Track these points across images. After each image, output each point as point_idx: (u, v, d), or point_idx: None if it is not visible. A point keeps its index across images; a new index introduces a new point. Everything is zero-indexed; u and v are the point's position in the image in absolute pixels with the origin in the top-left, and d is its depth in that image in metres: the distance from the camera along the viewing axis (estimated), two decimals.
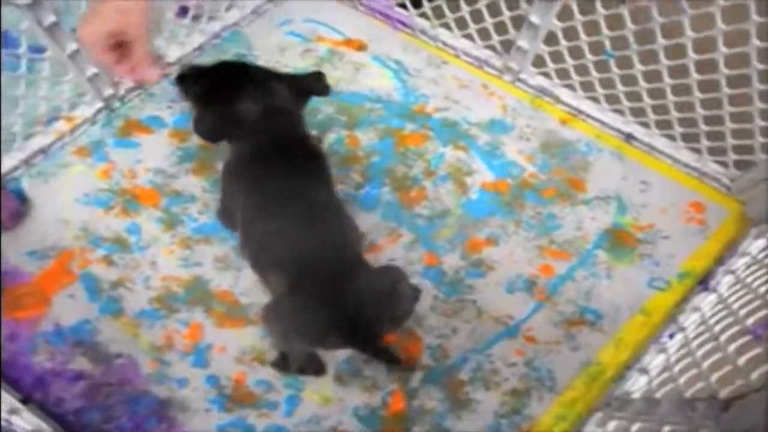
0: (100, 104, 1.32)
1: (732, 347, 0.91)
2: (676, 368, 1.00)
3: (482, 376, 1.08)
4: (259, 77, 1.06)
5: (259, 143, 1.03)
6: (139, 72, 0.94)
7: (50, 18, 1.11)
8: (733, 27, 1.08)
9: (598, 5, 1.22)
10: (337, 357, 1.09)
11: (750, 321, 0.94)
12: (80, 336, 1.08)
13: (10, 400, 0.97)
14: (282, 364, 1.06)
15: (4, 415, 0.94)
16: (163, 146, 1.31)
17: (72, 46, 1.19)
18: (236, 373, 1.07)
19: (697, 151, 1.33)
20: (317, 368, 1.07)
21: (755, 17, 1.05)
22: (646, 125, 1.36)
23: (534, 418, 1.06)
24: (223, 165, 1.09)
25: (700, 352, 0.98)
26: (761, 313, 0.94)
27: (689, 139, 1.33)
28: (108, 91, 1.32)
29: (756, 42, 1.07)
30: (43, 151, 1.27)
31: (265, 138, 1.03)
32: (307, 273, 0.94)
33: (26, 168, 1.25)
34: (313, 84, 1.13)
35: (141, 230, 1.20)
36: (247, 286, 1.15)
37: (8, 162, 1.24)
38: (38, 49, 1.17)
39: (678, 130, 1.32)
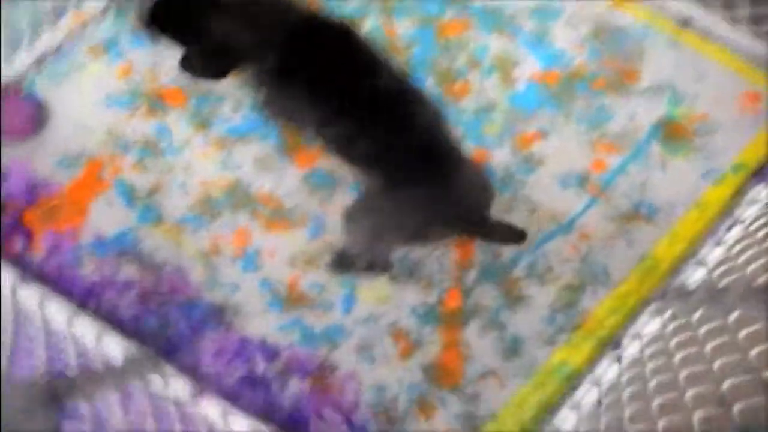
0: None
1: None
2: (741, 259, 0.97)
3: (537, 272, 1.07)
4: None
5: (286, 49, 0.92)
6: None
7: None
8: None
9: None
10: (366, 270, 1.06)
11: None
12: (123, 245, 1.06)
13: (66, 309, 0.97)
14: (341, 263, 1.05)
15: (64, 325, 0.94)
16: None
17: None
18: (290, 277, 1.05)
19: (760, 35, 1.23)
20: (386, 265, 1.05)
21: None
22: (707, 4, 1.26)
23: (588, 312, 1.05)
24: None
25: (767, 243, 0.94)
26: None
27: (754, 20, 1.22)
28: None
29: None
30: (55, 49, 1.19)
31: (288, 41, 0.91)
32: (405, 169, 0.89)
33: (37, 70, 1.18)
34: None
35: (171, 132, 1.15)
36: (291, 188, 1.11)
37: (16, 64, 1.17)
38: None
39: (741, 11, 1.22)
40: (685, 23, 1.28)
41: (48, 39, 1.19)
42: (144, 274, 1.04)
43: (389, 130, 0.88)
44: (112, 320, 1.00)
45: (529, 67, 1.24)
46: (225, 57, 0.93)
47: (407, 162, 0.88)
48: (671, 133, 1.19)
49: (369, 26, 1.25)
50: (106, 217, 1.08)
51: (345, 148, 0.93)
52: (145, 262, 1.04)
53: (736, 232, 1.06)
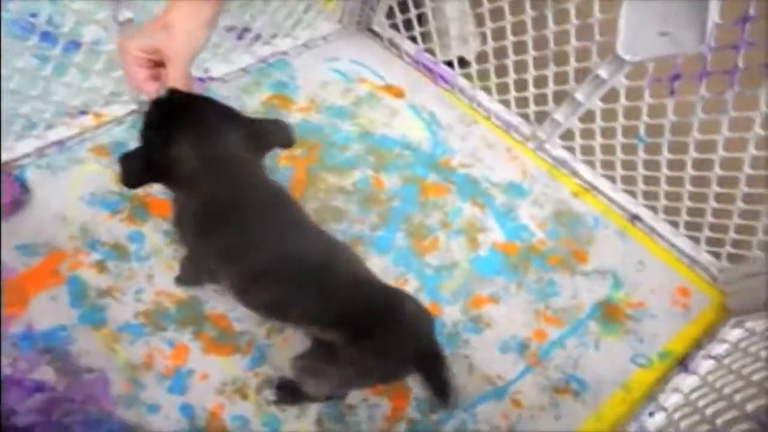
0: (133, 106, 1.31)
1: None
2: None
3: None
4: (209, 117, 0.88)
5: (207, 196, 0.86)
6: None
7: (127, 14, 1.10)
8: None
9: (646, 93, 1.24)
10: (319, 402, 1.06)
11: (749, 407, 0.97)
12: (52, 343, 1.02)
13: None
14: (289, 394, 1.02)
15: None
16: None
17: None
18: (214, 405, 1.03)
19: (696, 240, 1.37)
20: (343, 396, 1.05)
21: None
22: (653, 209, 1.40)
23: None
24: (175, 217, 0.93)
25: None
26: (760, 401, 0.97)
27: (692, 227, 1.36)
28: (144, 96, 1.30)
29: None
30: (60, 143, 1.24)
31: (212, 191, 0.86)
32: (359, 321, 0.87)
33: (37, 157, 1.21)
34: (276, 134, 0.95)
35: (144, 239, 1.17)
36: (245, 312, 1.11)
37: (21, 148, 1.20)
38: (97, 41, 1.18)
39: (684, 218, 1.36)
40: (633, 218, 1.41)
41: (59, 133, 1.24)
42: (61, 377, 0.98)
43: (324, 290, 0.86)
44: (6, 425, 0.93)
45: (494, 236, 1.34)
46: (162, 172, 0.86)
47: (360, 317, 0.87)
48: (608, 314, 1.28)
49: (357, 176, 1.36)
50: (47, 310, 1.05)
51: (278, 313, 0.91)
52: (68, 365, 1.00)
53: (659, 419, 1.12)
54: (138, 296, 1.11)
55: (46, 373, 0.98)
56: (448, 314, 1.22)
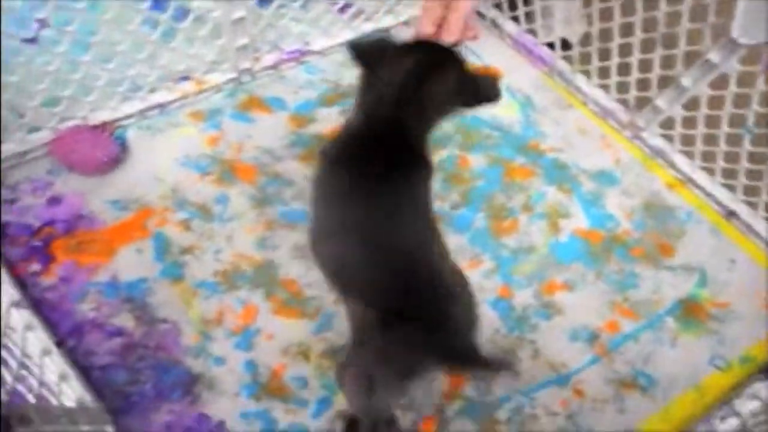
0: (233, 75, 1.34)
1: None
2: None
3: (520, 419, 1.05)
4: (435, 57, 0.87)
5: (368, 127, 0.86)
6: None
7: None
8: None
9: (760, 80, 1.14)
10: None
11: None
12: (133, 293, 1.08)
13: (45, 340, 0.96)
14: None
15: (36, 356, 0.91)
16: (279, 128, 1.31)
17: (239, 13, 1.21)
18: (277, 364, 1.05)
19: None
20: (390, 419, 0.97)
21: None
22: (754, 206, 1.29)
23: None
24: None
25: None
26: None
27: None
28: (245, 65, 1.33)
29: None
30: (161, 106, 1.29)
31: (377, 124, 0.85)
32: (402, 308, 0.81)
33: (139, 119, 1.27)
34: (486, 90, 0.91)
35: (229, 202, 1.19)
36: (316, 279, 1.12)
37: (125, 108, 1.26)
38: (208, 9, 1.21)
39: None
40: (729, 215, 1.30)
41: (161, 96, 1.30)
42: (138, 325, 1.03)
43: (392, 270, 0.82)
44: (85, 363, 0.99)
45: (577, 222, 1.28)
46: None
47: (405, 303, 0.81)
48: (690, 312, 1.20)
49: (445, 155, 1.34)
50: (132, 263, 1.10)
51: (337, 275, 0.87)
52: (146, 314, 1.05)
53: (731, 423, 1.04)
54: (217, 256, 1.14)
55: (125, 320, 1.04)
56: (519, 298, 1.18)
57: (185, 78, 1.33)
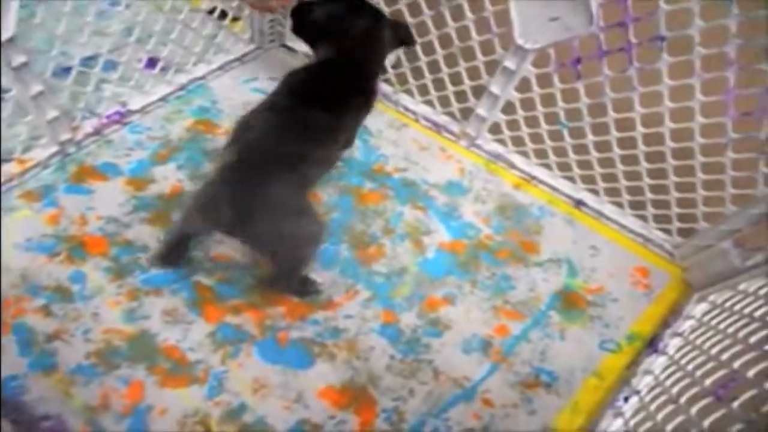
0: (55, 148, 1.21)
1: (694, 410, 0.84)
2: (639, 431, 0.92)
3: None
4: (373, 11, 1.10)
5: (336, 56, 1.08)
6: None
7: (20, 58, 1.03)
8: (679, 104, 1.06)
9: (556, 79, 1.18)
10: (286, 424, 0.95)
11: (708, 382, 0.87)
12: (5, 394, 0.92)
13: None
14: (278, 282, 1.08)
15: None
16: (118, 194, 1.18)
17: (36, 88, 1.09)
18: None
19: (644, 218, 1.28)
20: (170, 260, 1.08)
21: (699, 96, 1.03)
22: (595, 192, 1.31)
23: None
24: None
25: (660, 416, 0.90)
26: (718, 374, 0.87)
27: (636, 206, 1.28)
28: (65, 136, 1.20)
29: (699, 118, 1.05)
30: None
31: (344, 56, 1.07)
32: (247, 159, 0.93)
33: None
34: (406, 34, 1.16)
35: (86, 279, 1.06)
36: (197, 341, 1.01)
37: None
38: (2, 90, 1.07)
39: (626, 197, 1.28)
40: (578, 204, 1.31)
41: None
42: (18, 428, 0.89)
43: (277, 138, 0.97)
44: None
45: (439, 236, 1.22)
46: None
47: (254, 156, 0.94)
48: (569, 302, 1.16)
49: None
50: None
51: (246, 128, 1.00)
52: (24, 415, 0.90)
53: (633, 402, 1.01)
54: (86, 336, 1.00)
55: (3, 427, 0.88)
56: (405, 320, 1.09)
57: (5, 160, 1.18)
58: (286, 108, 0.99)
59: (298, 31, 1.13)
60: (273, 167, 0.91)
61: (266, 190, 0.89)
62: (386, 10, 1.28)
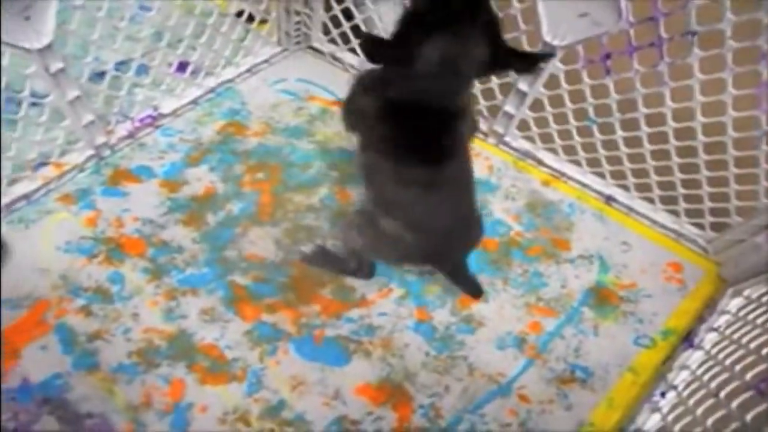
0: (90, 152, 1.22)
1: (735, 404, 0.83)
2: (676, 427, 0.90)
3: None
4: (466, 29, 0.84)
5: (413, 95, 0.89)
6: None
7: (58, 65, 1.03)
8: (711, 98, 1.04)
9: (584, 75, 1.16)
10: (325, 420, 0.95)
11: (748, 376, 0.86)
12: (49, 392, 0.93)
13: None
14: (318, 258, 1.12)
15: None
16: (152, 196, 1.19)
17: (73, 93, 1.10)
18: None
19: (675, 213, 1.26)
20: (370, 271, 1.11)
21: (731, 89, 1.01)
22: (626, 188, 1.30)
23: None
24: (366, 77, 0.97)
25: (699, 410, 0.89)
26: (759, 368, 0.86)
27: (667, 201, 1.26)
28: (100, 140, 1.21)
29: (732, 112, 1.03)
30: (26, 197, 1.15)
31: (421, 94, 0.88)
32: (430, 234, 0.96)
33: (7, 213, 1.12)
34: (530, 65, 0.94)
35: (124, 280, 1.07)
36: (234, 339, 1.01)
37: None
38: (40, 95, 1.08)
39: (657, 193, 1.26)
40: (609, 200, 1.29)
41: (23, 187, 1.15)
42: (64, 425, 0.89)
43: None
44: None
45: None
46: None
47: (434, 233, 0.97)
48: (602, 298, 1.15)
49: (323, 193, 1.24)
50: (40, 361, 0.96)
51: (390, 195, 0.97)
52: (69, 413, 0.90)
53: (671, 398, 0.99)
54: (127, 336, 1.01)
55: (48, 423, 0.90)
56: (439, 317, 1.09)
57: (42, 164, 1.19)
58: (417, 180, 0.93)
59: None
60: (462, 231, 1.01)
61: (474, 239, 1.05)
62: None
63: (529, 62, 0.92)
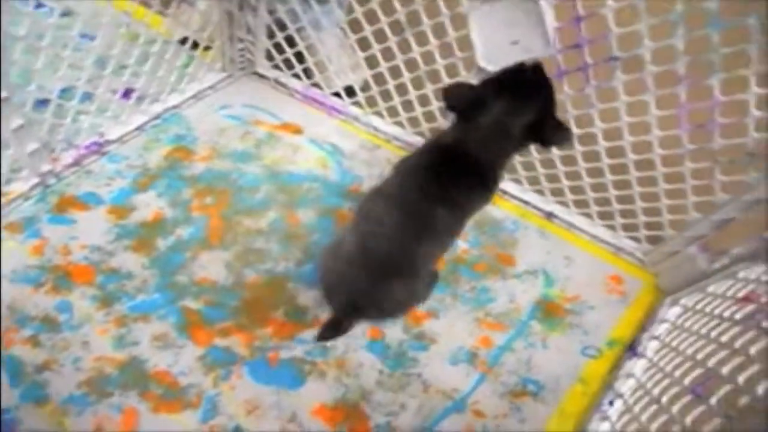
0: (35, 180, 1.19)
1: (675, 408, 0.86)
2: None
3: None
4: (527, 98, 0.98)
5: (451, 149, 0.99)
6: None
7: (2, 94, 1.01)
8: (637, 119, 1.09)
9: None
10: None
11: (687, 381, 0.89)
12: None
13: None
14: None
15: None
16: (100, 223, 1.17)
17: (17, 122, 1.07)
18: None
19: (613, 228, 1.31)
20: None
21: (654, 110, 1.06)
22: (565, 204, 1.34)
23: None
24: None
25: (644, 417, 0.91)
26: (695, 373, 0.89)
27: (605, 217, 1.31)
28: (45, 168, 1.19)
29: (656, 131, 1.09)
30: None
31: (459, 149, 0.98)
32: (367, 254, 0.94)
33: None
34: (562, 138, 1.01)
35: (73, 308, 1.04)
36: (187, 365, 1.00)
37: None
38: None
39: (594, 208, 1.30)
40: (549, 216, 1.33)
41: None
42: None
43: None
44: None
45: None
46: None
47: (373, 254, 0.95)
48: (548, 311, 1.18)
49: (272, 216, 1.24)
50: None
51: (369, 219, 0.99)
52: None
53: (618, 406, 1.02)
54: (77, 365, 0.98)
55: None
56: (391, 335, 1.09)
57: None
58: (408, 202, 0.96)
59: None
60: (393, 271, 0.95)
61: (388, 295, 0.97)
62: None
63: (559, 137, 1.01)
